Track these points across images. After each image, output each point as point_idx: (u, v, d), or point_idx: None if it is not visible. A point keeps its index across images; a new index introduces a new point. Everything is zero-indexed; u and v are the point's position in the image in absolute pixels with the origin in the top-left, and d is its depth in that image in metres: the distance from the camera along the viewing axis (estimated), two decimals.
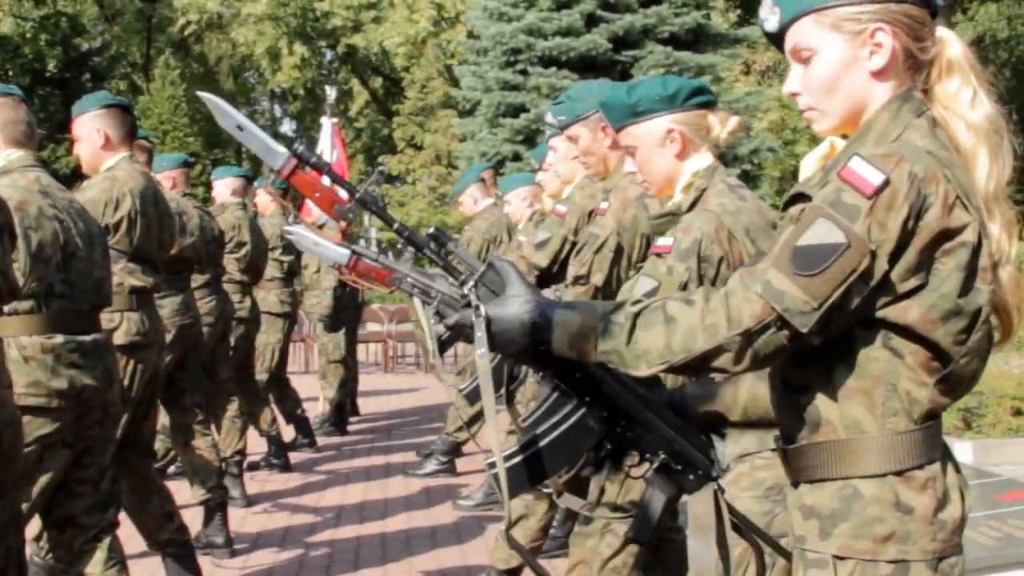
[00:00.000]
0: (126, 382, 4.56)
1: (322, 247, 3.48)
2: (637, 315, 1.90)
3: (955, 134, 1.93)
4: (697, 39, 17.03)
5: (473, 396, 4.04)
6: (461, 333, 2.06)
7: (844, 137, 2.01)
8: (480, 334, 1.98)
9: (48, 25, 29.19)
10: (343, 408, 9.87)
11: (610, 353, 1.92)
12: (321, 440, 9.04)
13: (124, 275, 4.69)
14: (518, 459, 2.14)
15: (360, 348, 12.42)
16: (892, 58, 1.93)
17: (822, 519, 1.91)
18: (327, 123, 11.66)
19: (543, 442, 2.13)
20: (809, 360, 1.89)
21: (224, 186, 7.91)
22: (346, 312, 9.74)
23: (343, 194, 2.49)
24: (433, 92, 28.08)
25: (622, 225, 3.94)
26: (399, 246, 26.06)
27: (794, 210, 1.94)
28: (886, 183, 1.79)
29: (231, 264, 7.53)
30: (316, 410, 9.83)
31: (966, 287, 1.84)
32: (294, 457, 8.25)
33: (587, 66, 15.98)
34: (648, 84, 3.27)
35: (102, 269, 4.00)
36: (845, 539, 1.88)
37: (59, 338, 3.75)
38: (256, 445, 8.04)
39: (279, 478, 7.76)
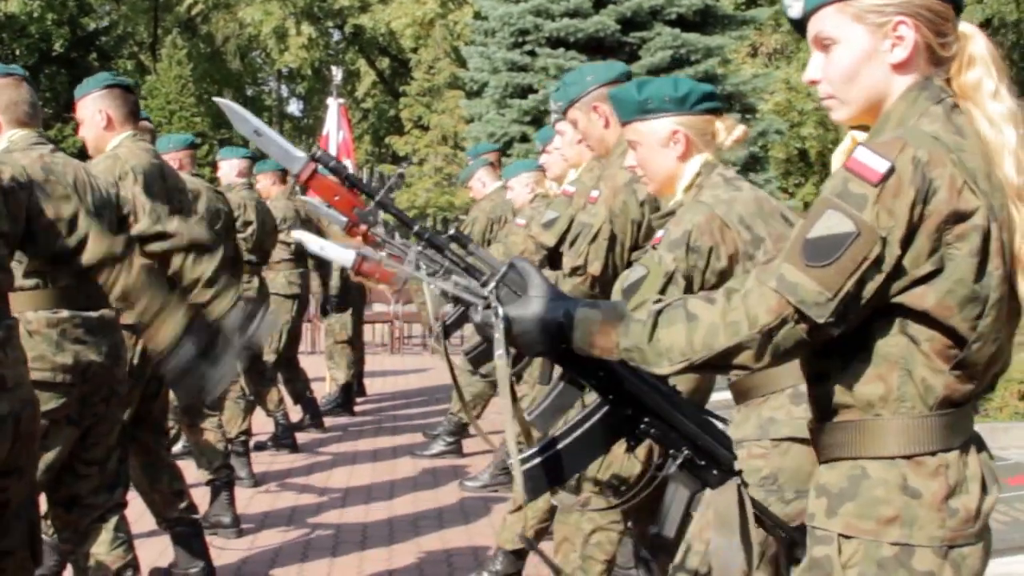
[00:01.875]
0: (135, 360, 4.54)
1: (328, 249, 3.50)
2: (659, 313, 1.91)
3: (977, 127, 1.94)
4: (705, 20, 16.98)
5: (476, 360, 4.07)
6: (485, 334, 2.06)
7: (865, 130, 2.02)
8: (499, 336, 1.99)
9: (55, 5, 29.13)
10: (350, 389, 9.89)
11: (632, 351, 1.93)
12: (328, 421, 9.07)
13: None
14: (537, 460, 2.14)
15: (367, 329, 12.43)
16: (913, 52, 1.94)
17: (830, 497, 1.94)
18: (333, 104, 11.66)
19: (563, 443, 2.14)
20: (826, 350, 1.91)
21: (230, 167, 7.91)
22: (352, 293, 9.75)
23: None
24: (440, 73, 28.02)
25: (613, 212, 3.94)
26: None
27: None
28: (891, 170, 1.81)
29: (239, 244, 7.53)
30: (323, 391, 9.85)
31: (980, 272, 1.85)
32: (301, 437, 8.27)
33: (595, 47, 15.95)
34: (659, 83, 3.28)
35: (98, 241, 3.92)
36: (850, 518, 1.91)
37: (65, 313, 3.75)
38: (262, 425, 8.06)
39: (286, 458, 7.78)
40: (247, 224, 7.66)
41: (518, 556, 4.99)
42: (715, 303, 1.87)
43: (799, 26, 2.05)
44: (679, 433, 2.15)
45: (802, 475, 2.90)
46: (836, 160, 2.09)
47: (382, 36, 32.00)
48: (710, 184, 3.18)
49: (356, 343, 10.04)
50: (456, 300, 2.23)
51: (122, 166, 4.63)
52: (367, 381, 10.93)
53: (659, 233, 3.15)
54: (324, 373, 10.03)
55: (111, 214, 3.96)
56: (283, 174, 9.11)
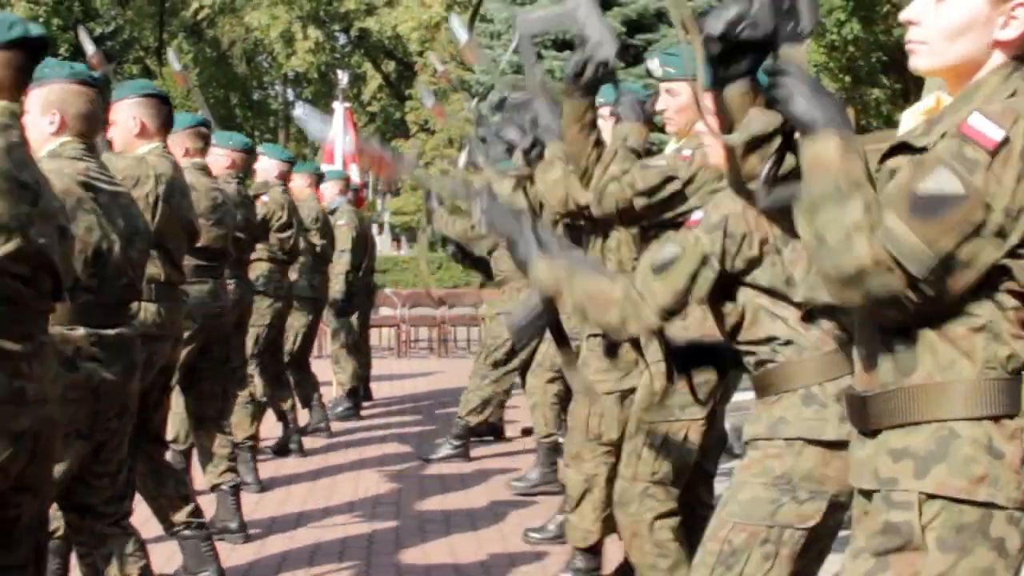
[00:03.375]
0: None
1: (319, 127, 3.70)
2: (844, 191, 1.89)
3: None
4: None
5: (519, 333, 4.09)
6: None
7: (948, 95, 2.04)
8: None
9: (61, 9, 29.22)
10: (356, 393, 9.87)
11: (804, 195, 1.96)
12: (335, 425, 9.04)
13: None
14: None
15: (373, 333, 12.44)
16: (1021, 35, 1.96)
17: (917, 459, 1.94)
18: (339, 108, 11.72)
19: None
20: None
21: (270, 166, 7.84)
22: (359, 296, 9.74)
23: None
24: (428, 98, 28.01)
25: None
26: (416, 226, 25.86)
27: (897, 160, 1.97)
28: (1006, 140, 1.84)
29: (275, 243, 7.57)
30: (329, 395, 9.83)
31: None
32: (308, 442, 8.25)
33: None
34: None
35: (136, 268, 3.97)
36: (943, 477, 1.92)
37: (81, 330, 3.73)
38: (270, 430, 8.04)
39: (292, 463, 7.76)
40: (287, 227, 7.66)
41: (592, 552, 5.00)
42: (864, 214, 1.85)
43: None
44: None
45: (816, 476, 2.90)
46: (908, 119, 2.09)
47: (388, 39, 32.03)
48: None
49: (362, 347, 10.03)
50: None
51: (145, 169, 4.64)
52: (373, 385, 10.90)
53: (695, 215, 3.15)
54: (331, 377, 10.02)
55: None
56: (319, 177, 9.19)
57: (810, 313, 2.97)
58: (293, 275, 8.23)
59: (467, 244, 7.76)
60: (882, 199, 1.88)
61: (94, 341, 3.76)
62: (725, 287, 2.98)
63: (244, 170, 6.90)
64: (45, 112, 3.78)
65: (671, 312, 2.91)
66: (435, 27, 29.00)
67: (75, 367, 3.70)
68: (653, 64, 4.34)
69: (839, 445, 2.78)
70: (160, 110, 4.82)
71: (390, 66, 35.21)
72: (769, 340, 2.96)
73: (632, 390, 4.46)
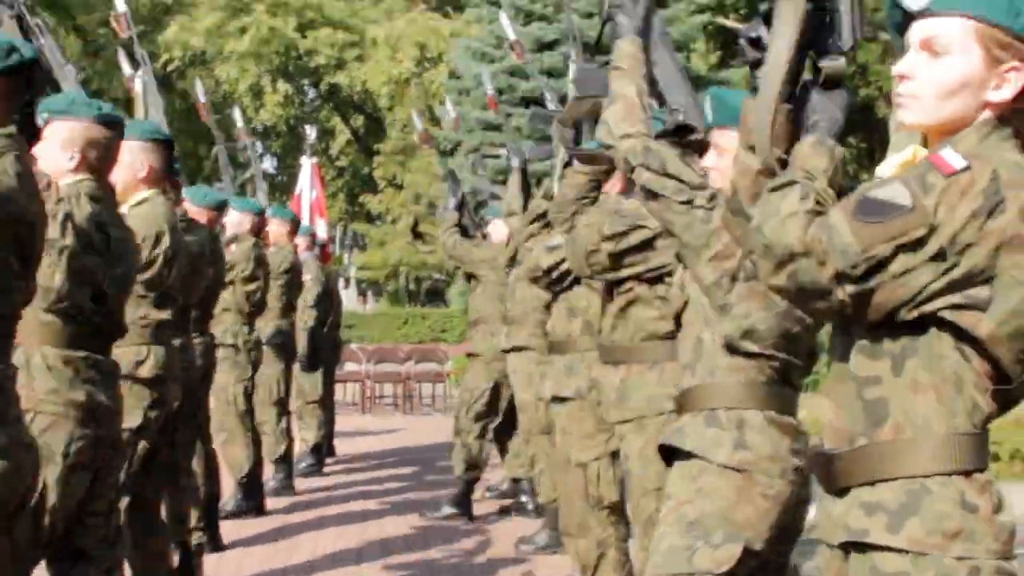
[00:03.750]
0: (152, 414, 4.57)
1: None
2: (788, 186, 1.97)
3: None
4: None
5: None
6: None
7: (925, 147, 2.06)
8: None
9: None
10: (320, 449, 9.79)
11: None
12: (298, 482, 8.95)
13: (150, 308, 4.68)
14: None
15: (338, 388, 12.37)
16: (1011, 98, 1.97)
17: (890, 513, 1.93)
18: (307, 163, 11.76)
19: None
20: (882, 352, 1.95)
21: (241, 219, 7.78)
22: (324, 351, 9.69)
23: None
24: (414, 132, 28.15)
25: None
26: (382, 282, 25.82)
27: None
28: (967, 168, 1.86)
29: (240, 295, 7.49)
30: (294, 451, 9.74)
31: None
32: (270, 502, 8.13)
33: None
34: None
35: (121, 307, 4.03)
36: (917, 533, 1.91)
37: (80, 352, 3.79)
38: (228, 485, 7.93)
39: (253, 522, 7.64)
40: (252, 279, 7.59)
41: None
42: (802, 201, 1.92)
43: (906, 17, 2.02)
44: None
45: (728, 517, 2.93)
46: (885, 169, 2.09)
47: (357, 94, 32.13)
48: None
49: (327, 403, 9.96)
50: None
51: (160, 225, 4.66)
52: (338, 441, 10.83)
53: None
54: (295, 433, 9.92)
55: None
56: (295, 224, 9.19)
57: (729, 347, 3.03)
58: (260, 323, 8.17)
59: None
60: (842, 204, 1.91)
61: (91, 364, 3.81)
62: None
63: (214, 227, 6.84)
64: (67, 148, 3.84)
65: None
66: (405, 82, 29.13)
67: (76, 387, 3.76)
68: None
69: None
70: (167, 156, 4.85)
71: (359, 120, 35.29)
72: None
73: (618, 452, 4.45)
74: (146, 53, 6.68)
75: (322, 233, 11.37)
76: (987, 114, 1.97)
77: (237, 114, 10.98)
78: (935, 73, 1.96)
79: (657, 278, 4.10)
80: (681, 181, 3.12)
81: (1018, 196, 1.85)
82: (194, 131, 34.08)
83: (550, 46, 16.19)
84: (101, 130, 3.90)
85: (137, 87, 6.18)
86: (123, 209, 4.62)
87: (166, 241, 4.67)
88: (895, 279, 1.85)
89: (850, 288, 1.86)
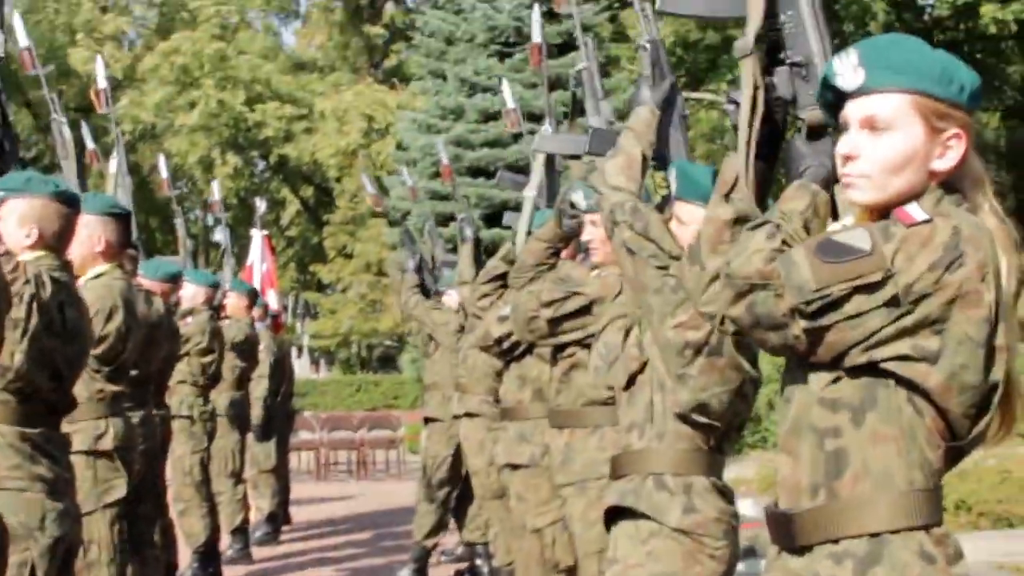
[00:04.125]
0: (123, 480, 4.61)
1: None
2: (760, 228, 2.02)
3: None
4: None
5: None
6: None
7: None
8: None
9: None
10: (276, 517, 9.85)
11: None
12: (254, 550, 9.00)
13: (104, 382, 4.68)
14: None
15: (292, 456, 12.38)
16: (954, 165, 2.00)
17: (856, 560, 1.95)
18: (257, 235, 11.92)
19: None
20: (842, 404, 1.96)
21: (196, 292, 7.86)
22: (277, 420, 9.79)
23: None
24: (363, 201, 28.37)
25: None
26: (334, 350, 25.60)
27: None
28: (928, 221, 1.90)
29: (195, 367, 7.55)
30: (250, 520, 9.81)
31: (986, 364, 1.91)
32: (227, 571, 8.20)
33: None
34: None
35: (72, 383, 4.02)
36: None
37: (37, 429, 3.78)
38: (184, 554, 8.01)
39: None
40: (208, 352, 7.65)
41: None
42: (762, 240, 1.97)
43: (837, 96, 2.05)
44: None
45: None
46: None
47: (306, 165, 32.33)
48: None
49: (281, 471, 10.04)
50: None
51: (114, 299, 4.65)
52: (293, 509, 10.85)
53: None
54: (250, 502, 9.99)
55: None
56: (253, 296, 9.27)
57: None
58: (213, 394, 8.29)
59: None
60: (805, 242, 1.96)
61: (47, 439, 3.80)
62: None
63: (168, 299, 6.96)
64: (23, 224, 3.84)
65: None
66: (352, 154, 29.39)
67: (37, 461, 3.74)
68: (577, 196, 4.46)
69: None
70: (125, 229, 4.83)
71: (308, 191, 35.48)
72: None
73: None
74: (120, 132, 6.73)
75: (274, 304, 11.52)
76: (933, 185, 2.00)
77: (215, 186, 11.16)
78: (880, 151, 1.98)
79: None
80: (660, 248, 3.19)
81: (976, 254, 1.88)
82: (147, 204, 34.10)
83: (495, 116, 16.50)
84: (58, 207, 3.91)
85: (112, 167, 6.16)
86: (80, 282, 4.59)
87: (119, 317, 4.66)
88: (848, 320, 1.87)
89: (804, 324, 1.88)
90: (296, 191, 35.17)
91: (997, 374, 1.93)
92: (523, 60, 16.88)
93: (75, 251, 4.65)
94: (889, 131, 1.99)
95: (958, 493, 8.29)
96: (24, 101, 31.89)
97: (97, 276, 4.72)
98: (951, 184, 2.01)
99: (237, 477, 8.68)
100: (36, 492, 3.70)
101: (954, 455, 1.99)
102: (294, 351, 22.10)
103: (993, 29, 17.52)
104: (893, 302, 1.86)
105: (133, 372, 4.94)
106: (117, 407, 4.72)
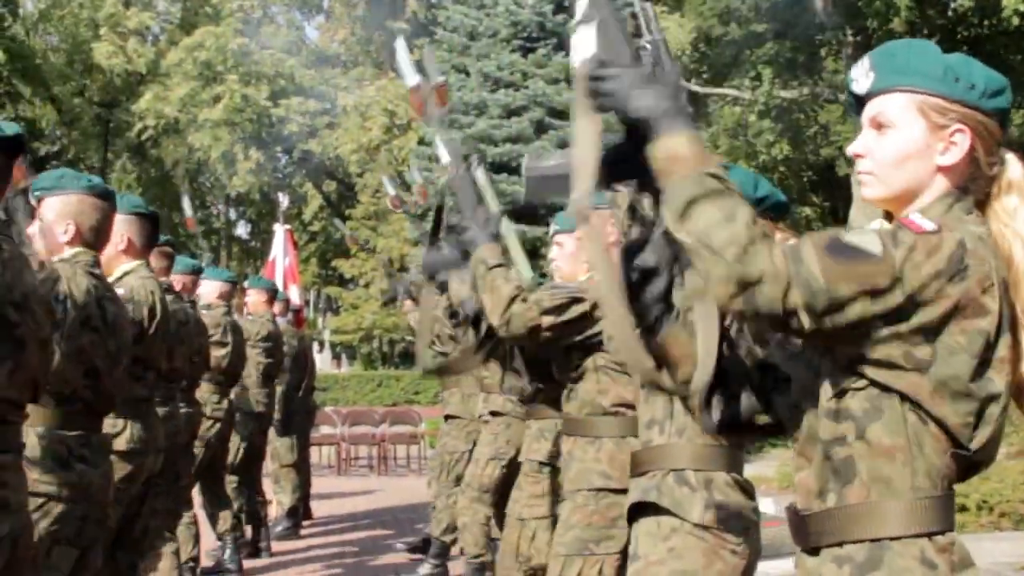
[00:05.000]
0: (122, 485, 4.55)
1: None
2: (718, 191, 1.91)
3: (1010, 249, 2.05)
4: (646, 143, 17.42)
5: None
6: None
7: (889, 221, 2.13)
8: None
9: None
10: (296, 512, 9.90)
11: (672, 193, 1.94)
12: (275, 544, 9.06)
13: (130, 382, 4.65)
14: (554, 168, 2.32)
15: (313, 451, 12.45)
16: (962, 160, 2.05)
17: (854, 565, 1.99)
18: (280, 230, 11.96)
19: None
20: (845, 415, 1.99)
21: (212, 288, 7.94)
22: (298, 415, 9.83)
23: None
24: (386, 197, 28.43)
25: None
26: (356, 345, 25.65)
27: None
28: (937, 231, 1.93)
29: (211, 362, 7.61)
30: (270, 514, 9.86)
31: (978, 372, 1.93)
32: (247, 563, 8.26)
33: None
34: (742, 175, 3.27)
35: (116, 381, 4.07)
36: None
37: (73, 432, 3.83)
38: (208, 545, 8.06)
39: None
40: (222, 345, 7.70)
41: None
42: (757, 223, 1.89)
43: (859, 101, 2.13)
44: None
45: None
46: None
47: (329, 160, 32.42)
48: None
49: (302, 466, 10.09)
50: None
51: (136, 298, 4.68)
52: (314, 504, 10.91)
53: None
54: (271, 496, 10.04)
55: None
56: (273, 293, 9.30)
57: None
58: (238, 390, 8.32)
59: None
60: (813, 239, 1.94)
61: (84, 443, 3.85)
62: None
63: (192, 292, 7.01)
64: (60, 221, 3.91)
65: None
66: (374, 149, 29.44)
67: (70, 467, 3.79)
68: (553, 226, 4.50)
69: None
70: (149, 229, 4.88)
71: (331, 186, 35.56)
72: None
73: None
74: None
75: (295, 298, 11.56)
76: (945, 183, 2.06)
77: (187, 204, 11.23)
78: (884, 147, 2.06)
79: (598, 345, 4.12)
80: (573, 302, 3.38)
81: (979, 267, 1.92)
82: (169, 199, 34.28)
83: (517, 112, 16.49)
84: (93, 201, 3.98)
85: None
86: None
87: (142, 314, 4.69)
88: (850, 320, 1.89)
89: (808, 320, 1.88)
90: (318, 186, 35.26)
91: (998, 385, 1.95)
92: (546, 55, 16.88)
93: (103, 253, 4.75)
94: (892, 129, 2.07)
95: (980, 493, 8.25)
96: (49, 96, 32.08)
97: (124, 275, 4.77)
98: (965, 189, 2.06)
99: (249, 475, 8.70)
100: (60, 498, 3.73)
101: (967, 466, 2.01)
102: (315, 346, 22.15)
103: (1016, 21, 17.38)
104: (896, 308, 1.89)
105: (160, 369, 4.95)
106: (139, 409, 4.72)
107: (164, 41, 34.82)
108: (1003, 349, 1.95)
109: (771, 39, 21.62)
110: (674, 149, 1.95)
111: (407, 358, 31.38)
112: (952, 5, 20.42)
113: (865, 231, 1.96)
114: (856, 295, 1.88)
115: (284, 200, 12.98)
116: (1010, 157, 2.10)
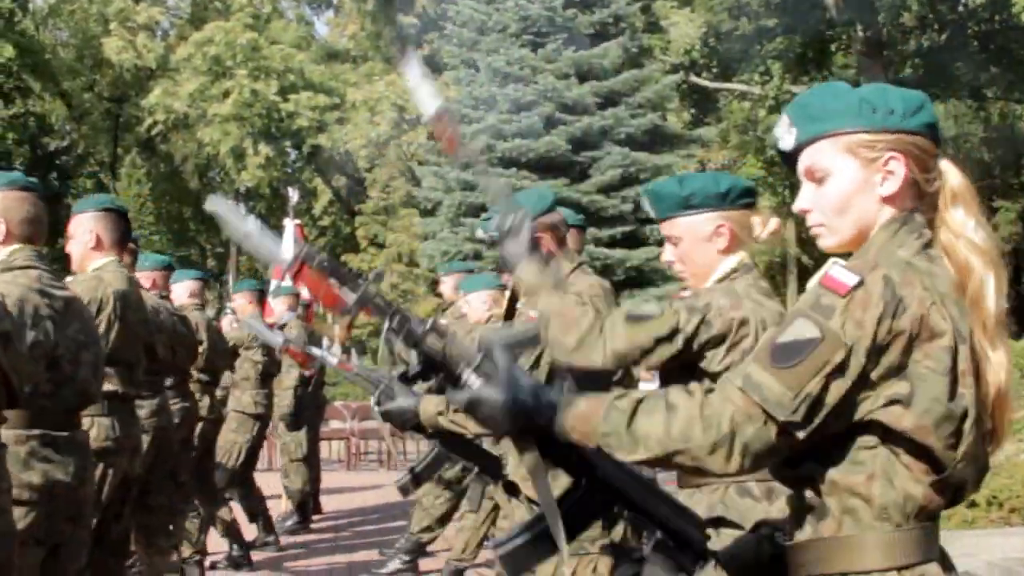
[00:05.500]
0: (95, 486, 4.51)
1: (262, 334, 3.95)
2: (639, 402, 1.95)
3: (965, 260, 2.02)
4: (653, 140, 17.41)
5: (404, 489, 4.31)
6: (398, 420, 2.19)
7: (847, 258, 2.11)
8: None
9: (16, 124, 29.40)
10: (306, 506, 9.92)
11: (610, 436, 1.95)
12: (284, 539, 9.09)
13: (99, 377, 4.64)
14: (518, 543, 2.19)
15: (323, 445, 12.46)
16: (902, 185, 2.03)
17: None
18: (289, 224, 11.95)
19: (539, 528, 2.16)
20: (808, 455, 1.96)
21: (182, 288, 7.89)
22: (308, 410, 9.83)
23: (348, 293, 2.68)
24: (395, 192, 28.46)
25: None
26: (365, 339, 25.73)
27: None
28: (860, 283, 1.90)
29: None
30: (279, 508, 9.88)
31: (952, 391, 1.92)
32: (257, 556, 8.29)
33: (546, 167, 16.29)
34: (702, 179, 3.34)
35: (89, 371, 4.04)
36: None
37: (35, 431, 3.79)
38: (218, 544, 8.09)
39: None
40: (198, 343, 7.69)
41: None
42: (693, 396, 1.92)
43: (788, 159, 2.13)
44: (651, 516, 2.19)
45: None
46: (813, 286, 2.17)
47: (339, 155, 32.45)
48: (745, 282, 3.24)
49: (312, 460, 10.10)
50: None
51: (104, 290, 4.65)
52: (323, 498, 10.93)
53: (683, 293, 3.28)
54: (280, 491, 10.07)
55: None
56: (259, 294, 9.29)
57: None
58: (236, 392, 8.33)
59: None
60: (752, 354, 1.95)
61: (47, 442, 3.82)
62: (687, 369, 3.09)
63: (162, 289, 6.96)
64: None
65: (621, 359, 3.06)
66: (384, 144, 29.46)
67: (30, 467, 3.76)
68: (479, 232, 4.44)
69: None
70: (117, 224, 4.85)
71: (340, 181, 35.60)
72: None
73: None
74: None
75: (306, 293, 11.55)
76: (890, 211, 2.04)
77: (293, 194, 11.26)
78: (826, 197, 2.05)
79: None
80: None
81: (913, 292, 1.91)
82: (179, 193, 34.35)
83: (527, 107, 16.48)
84: (17, 195, 3.92)
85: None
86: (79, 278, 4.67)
87: (109, 307, 4.64)
88: (835, 406, 1.88)
89: (800, 433, 1.87)
90: (328, 181, 35.29)
91: (967, 399, 1.94)
92: (555, 50, 16.87)
93: (72, 249, 4.78)
94: (829, 176, 2.05)
95: (989, 488, 8.20)
96: (58, 91, 32.16)
97: (95, 271, 4.75)
98: (914, 210, 2.05)
99: (243, 475, 8.69)
100: (22, 500, 3.67)
101: (954, 490, 1.98)
102: (325, 341, 22.16)
103: None
104: (863, 370, 1.88)
105: (131, 364, 4.88)
106: (108, 406, 4.64)
107: (174, 36, 34.90)
108: (963, 363, 1.94)
109: (781, 34, 21.61)
110: (575, 419, 1.98)
111: None
112: (962, 1, 20.37)
113: (790, 320, 1.93)
114: (825, 382, 1.87)
115: (294, 195, 12.96)
116: (946, 166, 2.08)
